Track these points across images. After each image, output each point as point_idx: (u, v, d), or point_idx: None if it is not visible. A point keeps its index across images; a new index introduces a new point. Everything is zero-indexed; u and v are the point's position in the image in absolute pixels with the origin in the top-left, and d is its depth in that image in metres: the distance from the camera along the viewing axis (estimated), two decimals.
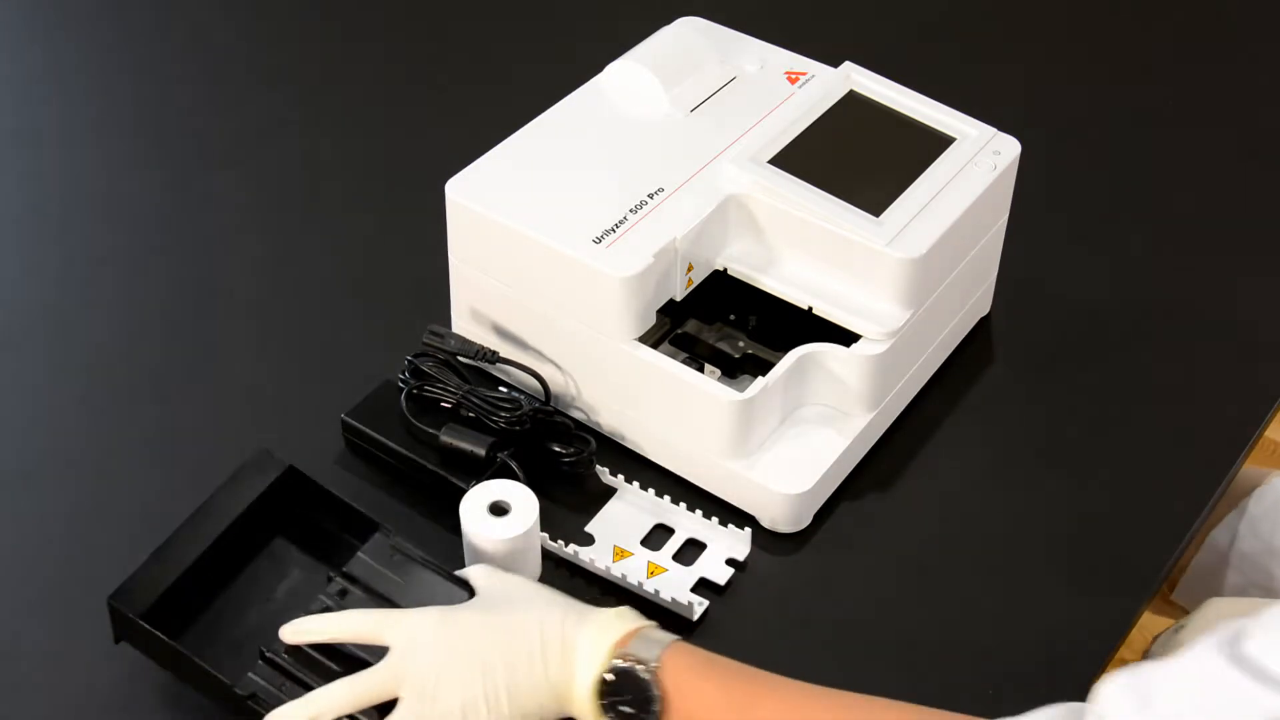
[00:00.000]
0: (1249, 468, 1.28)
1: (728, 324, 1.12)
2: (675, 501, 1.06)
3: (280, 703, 0.90)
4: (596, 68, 1.17)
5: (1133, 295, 1.23)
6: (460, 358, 1.10)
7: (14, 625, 1.00)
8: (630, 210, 1.05)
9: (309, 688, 0.90)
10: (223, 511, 0.97)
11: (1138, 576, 1.05)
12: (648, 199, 1.06)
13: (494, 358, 1.09)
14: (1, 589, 1.02)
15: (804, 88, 1.16)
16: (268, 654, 0.92)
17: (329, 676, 0.90)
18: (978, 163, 1.11)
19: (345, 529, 0.99)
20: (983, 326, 1.22)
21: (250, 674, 0.92)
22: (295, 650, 0.92)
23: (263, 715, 0.89)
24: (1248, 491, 1.29)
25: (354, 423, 1.09)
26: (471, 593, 0.93)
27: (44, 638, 0.99)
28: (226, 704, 0.92)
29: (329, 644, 0.92)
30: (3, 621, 1.00)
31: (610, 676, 0.85)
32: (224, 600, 0.96)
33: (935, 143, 1.12)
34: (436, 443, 1.06)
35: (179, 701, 0.95)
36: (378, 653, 0.91)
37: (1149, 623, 1.33)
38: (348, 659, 0.92)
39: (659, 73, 1.14)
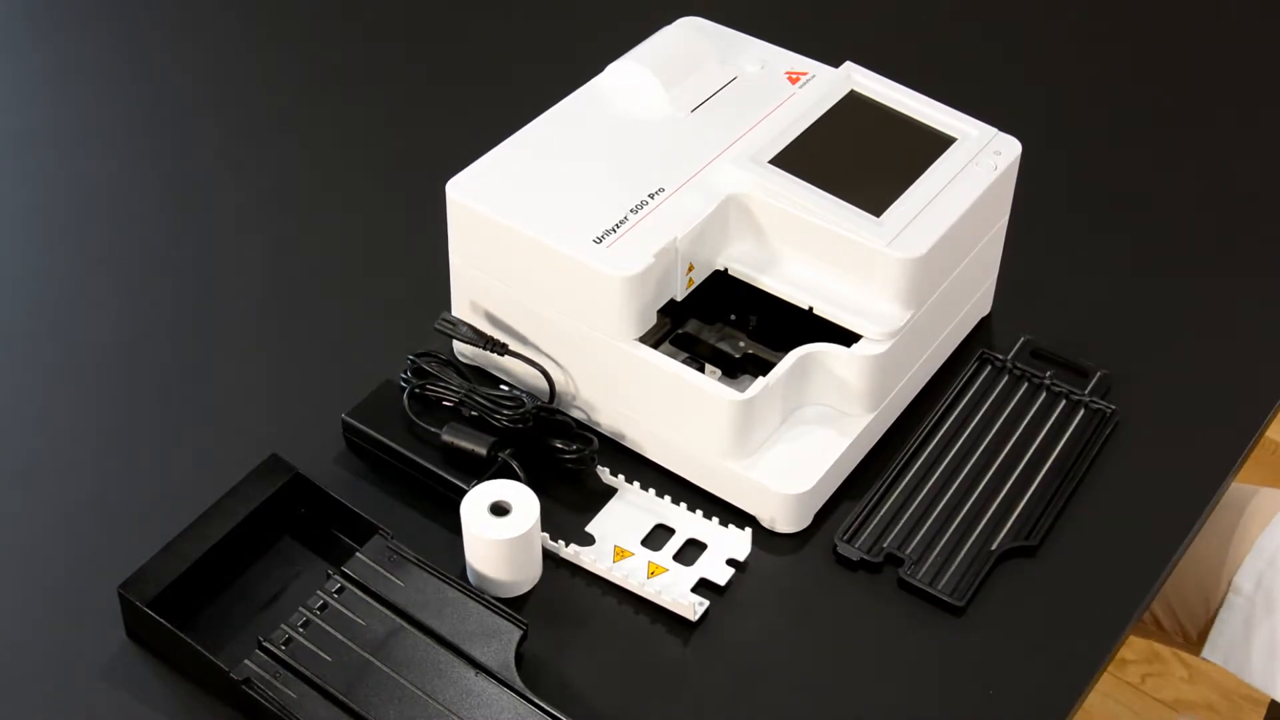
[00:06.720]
0: (1237, 485, 1.27)
1: (728, 324, 1.12)
2: (675, 501, 1.06)
3: (274, 691, 0.91)
4: (596, 68, 1.17)
5: (1133, 295, 1.23)
6: (470, 346, 1.10)
7: (14, 625, 1.00)
8: (631, 210, 1.06)
9: (304, 678, 0.93)
10: (231, 512, 1.00)
11: (1140, 574, 1.05)
12: (648, 199, 1.06)
13: (504, 349, 1.09)
14: (2, 589, 1.02)
15: (804, 88, 1.16)
16: (264, 643, 0.94)
17: (323, 669, 0.93)
18: (978, 163, 1.11)
19: (347, 531, 1.02)
20: (983, 326, 1.22)
21: (246, 661, 0.93)
22: (291, 641, 0.94)
23: (256, 701, 0.91)
24: (1241, 511, 1.26)
25: (354, 422, 1.09)
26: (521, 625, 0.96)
27: (46, 638, 0.99)
28: (223, 693, 0.94)
29: (329, 638, 0.94)
30: (3, 621, 1.00)
31: None
32: (229, 595, 1.00)
33: (935, 143, 1.12)
34: (437, 442, 1.06)
35: (181, 700, 0.96)
36: (380, 653, 0.94)
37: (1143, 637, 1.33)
38: (344, 652, 0.93)
39: (659, 73, 1.14)
